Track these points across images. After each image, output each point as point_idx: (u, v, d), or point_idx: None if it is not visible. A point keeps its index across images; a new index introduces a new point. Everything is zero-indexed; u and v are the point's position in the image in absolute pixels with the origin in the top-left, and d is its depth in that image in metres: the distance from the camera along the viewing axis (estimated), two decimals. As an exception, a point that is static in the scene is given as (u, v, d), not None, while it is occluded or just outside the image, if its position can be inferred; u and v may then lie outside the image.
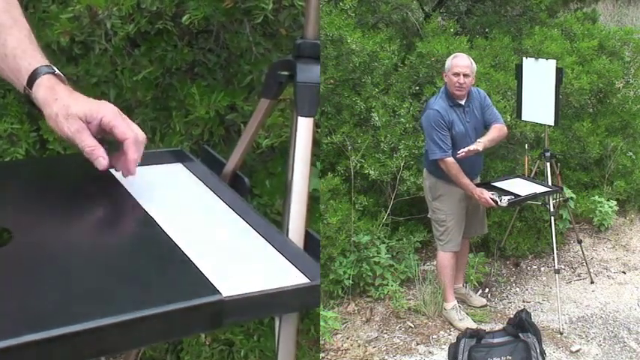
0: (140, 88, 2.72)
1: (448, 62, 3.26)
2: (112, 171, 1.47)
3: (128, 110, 2.80)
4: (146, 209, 1.34)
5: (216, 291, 1.09)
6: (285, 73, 1.56)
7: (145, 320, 1.02)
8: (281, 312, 1.32)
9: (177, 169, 1.63)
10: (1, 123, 2.73)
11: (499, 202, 3.22)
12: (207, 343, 3.03)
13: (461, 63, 3.21)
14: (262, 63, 2.67)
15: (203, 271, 1.14)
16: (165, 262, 1.18)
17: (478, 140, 3.22)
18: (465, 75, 3.18)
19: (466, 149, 3.15)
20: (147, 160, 1.51)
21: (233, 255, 1.29)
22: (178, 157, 1.66)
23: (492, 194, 3.23)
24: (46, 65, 1.45)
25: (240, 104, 2.65)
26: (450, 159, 3.17)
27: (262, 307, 1.16)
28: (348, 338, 3.37)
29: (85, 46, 2.69)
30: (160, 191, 1.49)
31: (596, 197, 4.38)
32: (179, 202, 1.46)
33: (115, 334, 1.00)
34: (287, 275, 1.23)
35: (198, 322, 1.08)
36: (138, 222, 1.32)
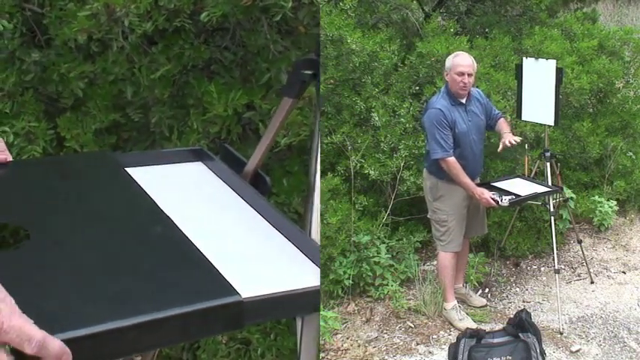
0: (158, 85, 2.72)
1: (450, 61, 3.25)
2: (130, 170, 1.46)
3: (145, 108, 2.81)
4: (165, 208, 1.33)
5: (235, 292, 1.08)
6: (309, 72, 1.55)
7: (164, 321, 1.01)
8: (303, 313, 1.30)
9: (198, 167, 1.62)
10: (18, 121, 2.73)
11: (500, 202, 3.23)
12: (224, 341, 3.03)
13: (464, 62, 3.21)
14: (280, 61, 2.67)
15: (223, 272, 1.13)
16: (184, 262, 1.17)
17: (506, 133, 3.33)
18: (469, 74, 3.19)
19: (507, 142, 3.25)
20: (166, 158, 1.50)
21: (254, 255, 1.28)
22: (198, 155, 1.65)
23: (493, 194, 3.24)
24: None
25: (258, 102, 2.65)
26: (452, 158, 3.17)
27: (284, 307, 1.15)
28: (348, 338, 3.37)
29: (102, 44, 2.69)
30: (180, 190, 1.48)
31: (596, 197, 4.38)
32: (199, 201, 1.45)
33: (133, 335, 0.99)
34: (309, 275, 1.22)
35: (216, 323, 1.07)
36: (155, 222, 1.30)
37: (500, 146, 3.35)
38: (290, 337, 2.91)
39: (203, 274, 1.13)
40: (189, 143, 2.68)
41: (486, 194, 3.21)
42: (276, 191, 2.72)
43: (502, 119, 3.44)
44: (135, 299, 1.04)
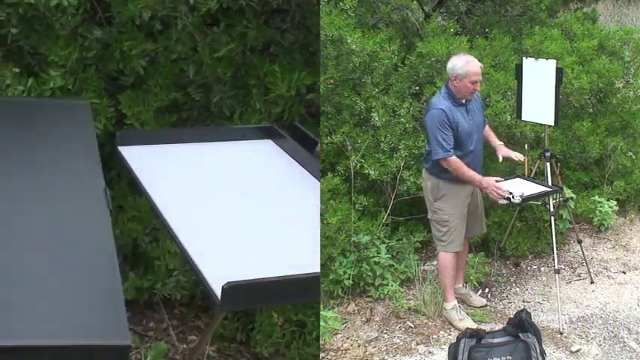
0: (220, 65, 2.72)
1: (462, 68, 3.18)
2: (199, 145, 1.48)
3: (206, 88, 2.82)
4: (230, 184, 1.31)
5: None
6: None
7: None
8: None
9: (267, 145, 1.63)
10: (81, 97, 2.74)
11: (512, 199, 3.21)
12: (280, 323, 3.05)
13: (477, 70, 3.21)
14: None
15: (277, 247, 1.11)
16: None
17: (499, 145, 3.47)
18: (480, 82, 3.23)
19: (514, 157, 3.40)
20: (237, 135, 1.51)
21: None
22: (269, 133, 1.66)
23: (504, 191, 3.24)
24: None
25: (320, 84, 2.67)
26: (453, 157, 3.18)
27: None
28: (348, 338, 3.37)
29: (163, 22, 2.70)
30: (247, 166, 1.48)
31: (596, 197, 4.38)
32: (265, 177, 1.45)
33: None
34: None
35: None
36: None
37: (500, 158, 3.44)
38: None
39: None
40: (250, 123, 2.68)
41: (492, 183, 3.22)
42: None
43: (487, 125, 3.50)
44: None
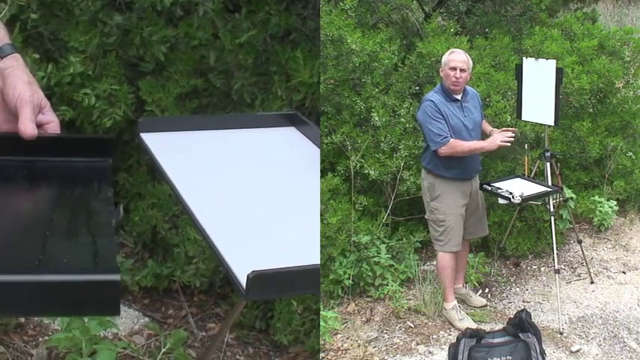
0: (241, 52, 2.70)
1: (445, 57, 3.30)
2: (222, 132, 1.51)
3: (227, 74, 2.80)
4: (252, 171, 1.34)
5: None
6: None
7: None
8: None
9: (290, 132, 1.63)
10: (100, 83, 2.72)
11: (512, 199, 3.25)
12: (299, 311, 3.05)
13: (457, 58, 3.24)
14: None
15: (301, 235, 1.13)
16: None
17: (493, 129, 3.39)
18: (462, 70, 3.22)
19: (509, 137, 3.26)
20: (260, 122, 1.51)
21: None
22: (292, 120, 1.66)
23: (503, 191, 3.31)
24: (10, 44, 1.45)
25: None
26: (452, 139, 3.18)
27: None
28: (348, 338, 3.37)
29: (184, 8, 2.69)
30: (270, 153, 1.49)
31: (596, 197, 4.38)
32: (288, 164, 1.46)
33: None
34: None
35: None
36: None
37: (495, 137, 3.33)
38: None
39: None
40: (272, 110, 2.68)
41: (497, 138, 3.23)
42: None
43: (484, 120, 3.50)
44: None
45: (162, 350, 2.78)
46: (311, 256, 1.14)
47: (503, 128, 3.37)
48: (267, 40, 2.76)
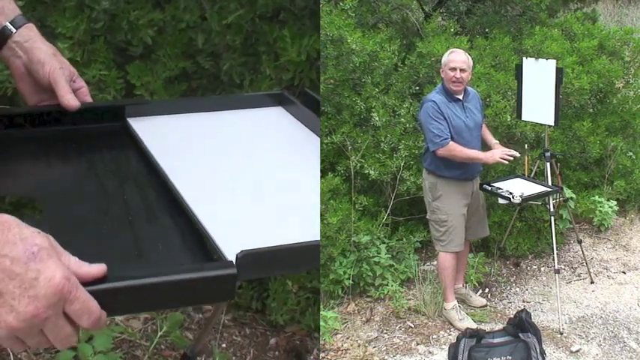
0: (229, 32, 2.69)
1: (445, 57, 3.30)
2: (209, 114, 1.50)
3: (215, 56, 2.79)
4: (241, 152, 1.35)
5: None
6: None
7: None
8: None
9: (278, 112, 1.63)
10: (89, 69, 2.72)
11: (512, 199, 3.25)
12: (294, 290, 3.04)
13: (457, 58, 3.24)
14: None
15: (289, 213, 1.15)
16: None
17: (495, 143, 3.40)
18: (462, 70, 3.21)
19: (509, 156, 3.25)
20: (247, 103, 1.52)
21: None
22: (279, 100, 1.67)
23: (503, 192, 3.30)
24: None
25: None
26: (451, 142, 3.18)
27: None
28: (348, 338, 3.37)
29: None
30: (258, 134, 1.50)
31: (596, 197, 4.38)
32: (277, 143, 1.47)
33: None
34: None
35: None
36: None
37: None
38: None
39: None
40: (261, 90, 2.67)
41: (497, 153, 3.23)
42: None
43: (484, 125, 3.49)
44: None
45: (159, 334, 2.78)
46: (309, 233, 1.14)
47: (508, 150, 3.31)
48: (256, 20, 2.74)
